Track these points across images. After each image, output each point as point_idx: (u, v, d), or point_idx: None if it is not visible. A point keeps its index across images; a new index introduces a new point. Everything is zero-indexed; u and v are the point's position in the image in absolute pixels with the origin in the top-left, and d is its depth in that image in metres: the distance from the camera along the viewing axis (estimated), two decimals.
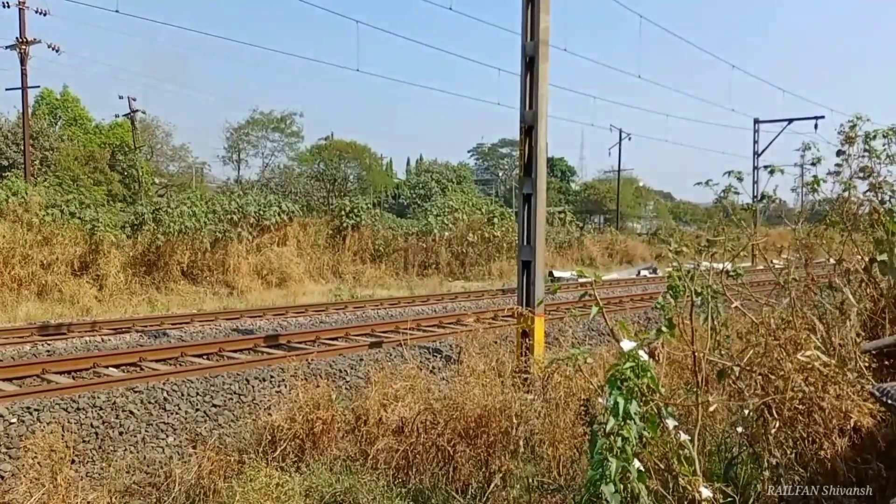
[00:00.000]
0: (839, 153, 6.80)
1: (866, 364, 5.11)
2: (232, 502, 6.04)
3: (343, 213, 34.16)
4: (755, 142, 39.75)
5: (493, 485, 6.00)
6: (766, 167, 5.87)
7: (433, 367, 11.72)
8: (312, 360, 11.66)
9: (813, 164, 6.53)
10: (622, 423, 3.87)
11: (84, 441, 8.75)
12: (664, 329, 4.62)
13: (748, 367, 5.05)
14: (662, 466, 4.45)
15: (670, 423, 4.34)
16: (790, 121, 37.30)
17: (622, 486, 3.92)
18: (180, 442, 9.09)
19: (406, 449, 6.63)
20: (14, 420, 8.70)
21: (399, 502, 6.08)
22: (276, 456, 6.89)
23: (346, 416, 7.48)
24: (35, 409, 8.94)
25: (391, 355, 12.15)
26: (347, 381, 11.15)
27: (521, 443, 6.44)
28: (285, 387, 9.65)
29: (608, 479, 3.85)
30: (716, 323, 4.97)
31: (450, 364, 8.36)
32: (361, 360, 11.98)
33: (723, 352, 5.14)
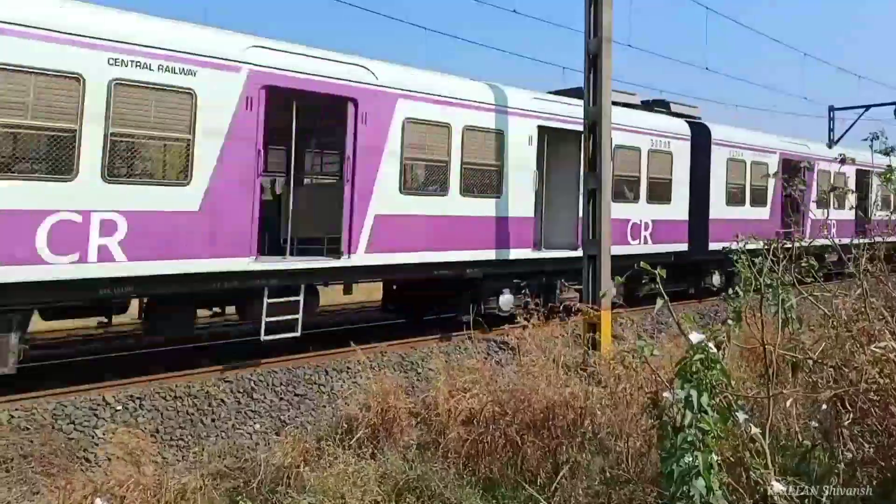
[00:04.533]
0: None
1: None
2: (312, 487, 6.02)
3: None
4: (830, 130, 38.00)
5: (560, 476, 5.80)
6: (840, 156, 5.49)
7: (500, 360, 11.55)
8: (385, 351, 11.62)
9: (886, 154, 6.08)
10: (699, 416, 3.61)
11: (181, 427, 8.92)
12: (732, 321, 4.35)
13: (820, 360, 4.72)
14: (733, 460, 4.18)
15: (741, 416, 4.06)
16: (867, 107, 35.41)
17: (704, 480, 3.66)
18: (266, 429, 9.18)
19: (475, 439, 6.49)
20: (119, 407, 8.93)
21: (469, 490, 5.93)
22: (353, 443, 6.85)
23: (417, 407, 7.39)
24: (137, 397, 9.14)
25: (460, 348, 12.03)
26: (419, 373, 11.08)
27: (588, 435, 6.21)
28: (361, 377, 9.64)
29: (697, 475, 3.56)
30: (787, 315, 4.65)
31: (517, 356, 8.18)
32: (431, 351, 11.90)
33: (794, 344, 4.81)
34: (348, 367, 10.77)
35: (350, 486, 5.87)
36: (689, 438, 3.57)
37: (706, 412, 3.63)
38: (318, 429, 7.71)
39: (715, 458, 3.62)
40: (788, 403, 4.65)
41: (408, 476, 6.16)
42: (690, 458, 3.55)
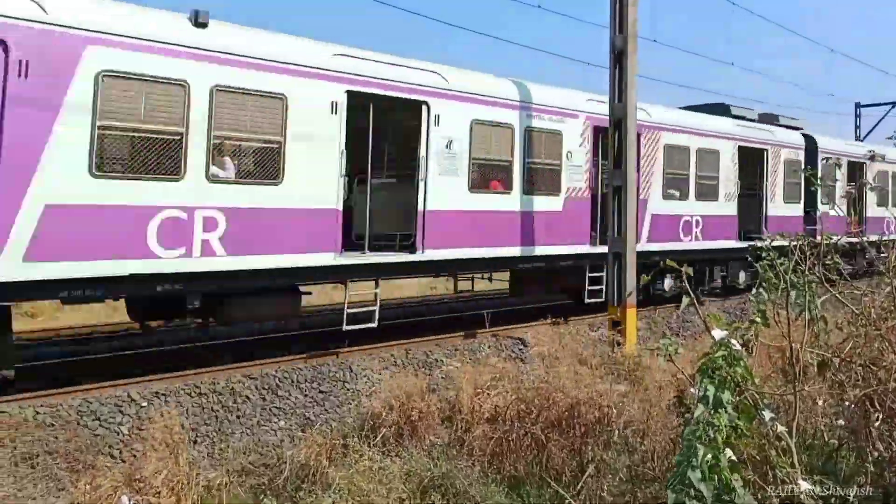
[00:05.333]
0: None
1: None
2: (337, 484, 6.10)
3: None
4: (857, 127, 37.49)
5: (586, 474, 5.83)
6: (869, 153, 5.45)
7: (524, 357, 11.58)
8: (410, 349, 11.71)
9: None
10: (712, 412, 3.63)
11: (206, 423, 9.04)
12: (757, 319, 4.35)
13: (848, 359, 4.71)
14: (759, 458, 4.18)
15: (766, 414, 4.07)
16: (894, 104, 34.92)
17: (714, 477, 3.68)
18: (290, 426, 9.30)
19: (500, 437, 6.54)
20: (145, 403, 9.06)
21: (494, 488, 5.98)
22: (377, 440, 6.93)
23: (441, 404, 7.45)
24: (162, 394, 9.29)
25: (484, 345, 12.07)
26: (442, 370, 11.15)
27: (614, 433, 6.24)
28: (386, 375, 9.73)
29: (695, 466, 3.61)
30: (813, 314, 4.64)
31: (541, 355, 8.22)
32: (456, 349, 11.95)
33: (821, 343, 4.80)
34: (373, 365, 10.87)
35: (375, 484, 5.94)
36: (698, 433, 3.59)
37: (724, 408, 3.64)
38: (342, 426, 7.80)
39: (729, 454, 3.63)
40: (816, 402, 4.64)
41: (433, 474, 6.22)
42: (693, 451, 3.57)
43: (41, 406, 8.41)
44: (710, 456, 3.60)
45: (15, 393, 8.73)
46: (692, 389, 4.15)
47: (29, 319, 15.43)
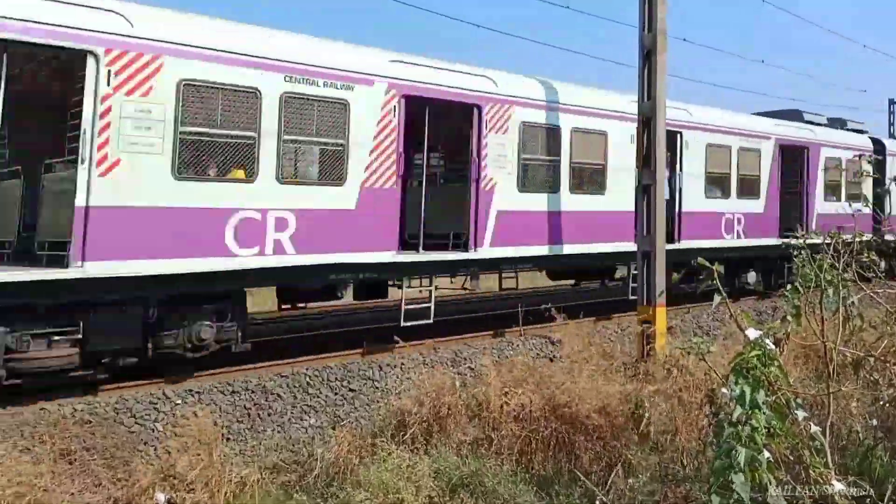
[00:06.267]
0: None
1: None
2: (367, 481, 6.15)
3: None
4: (891, 124, 36.85)
5: (615, 473, 5.82)
6: None
7: (553, 356, 11.55)
8: (438, 348, 11.75)
9: None
10: (749, 412, 3.61)
11: (238, 421, 9.16)
12: (791, 318, 4.31)
13: (882, 358, 4.65)
14: (792, 458, 4.15)
15: (800, 413, 4.03)
16: None
17: (751, 477, 3.66)
18: (321, 423, 9.39)
19: (528, 435, 6.55)
20: (179, 401, 9.21)
21: (523, 487, 5.99)
22: (406, 438, 6.97)
23: (469, 403, 7.47)
24: (196, 392, 9.43)
25: (513, 344, 12.07)
26: (472, 369, 11.17)
27: (642, 433, 6.21)
28: (414, 373, 9.77)
29: (737, 469, 3.59)
30: (848, 313, 4.59)
31: (570, 354, 8.21)
32: (484, 348, 11.97)
33: (856, 342, 4.75)
34: (402, 363, 10.93)
35: (405, 482, 5.98)
36: (738, 434, 3.58)
37: (760, 409, 3.62)
38: (372, 424, 7.85)
39: (766, 455, 3.61)
40: (850, 401, 4.59)
41: (462, 472, 6.25)
42: (734, 454, 3.55)
43: (79, 403, 8.59)
44: (749, 457, 3.58)
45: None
46: (724, 389, 4.13)
47: None
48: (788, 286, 4.55)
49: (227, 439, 8.74)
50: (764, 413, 3.69)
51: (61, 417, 8.17)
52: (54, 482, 6.58)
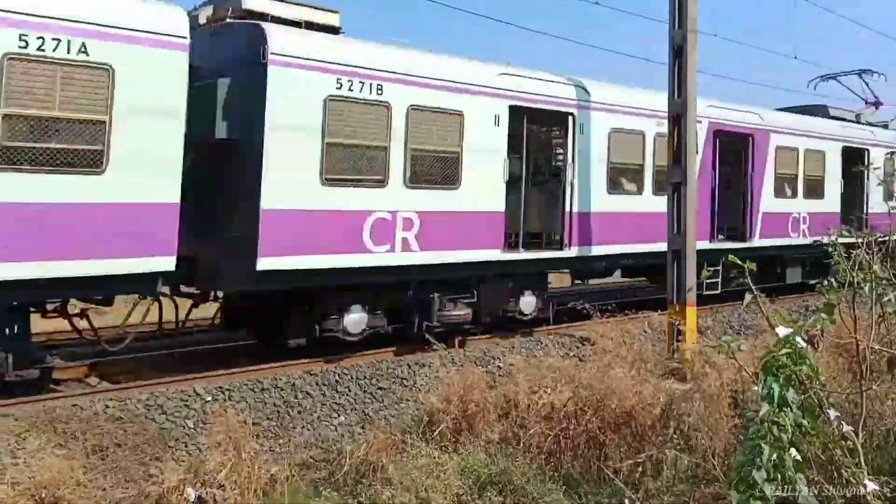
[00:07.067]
0: None
1: None
2: (396, 479, 6.18)
3: None
4: None
5: (644, 473, 5.78)
6: None
7: (582, 356, 11.50)
8: (467, 347, 11.76)
9: None
10: (776, 410, 3.57)
11: (268, 418, 9.24)
12: (823, 316, 4.24)
13: None
14: (824, 458, 4.09)
15: (832, 413, 3.97)
16: None
17: (778, 476, 3.61)
18: (350, 421, 9.44)
19: (557, 434, 6.53)
20: (209, 398, 9.31)
21: (552, 486, 5.97)
22: (435, 436, 6.98)
23: (498, 401, 7.47)
24: (226, 389, 9.53)
25: (542, 343, 12.03)
26: (501, 368, 11.16)
27: (672, 433, 6.16)
28: (443, 371, 9.79)
29: (759, 466, 3.55)
30: (885, 309, 4.50)
31: (599, 353, 8.17)
32: (513, 347, 11.95)
33: (890, 340, 4.66)
34: (430, 362, 10.95)
35: (433, 480, 5.99)
36: (762, 432, 3.53)
37: (789, 407, 3.57)
38: (401, 422, 7.88)
39: (794, 453, 3.56)
40: (885, 401, 4.51)
41: (490, 470, 6.24)
42: (758, 451, 3.51)
43: (111, 400, 8.71)
44: (774, 455, 3.54)
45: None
46: (754, 387, 4.09)
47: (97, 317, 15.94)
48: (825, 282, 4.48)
49: (257, 436, 8.83)
50: (792, 411, 3.64)
51: (93, 414, 8.30)
52: (87, 477, 6.69)
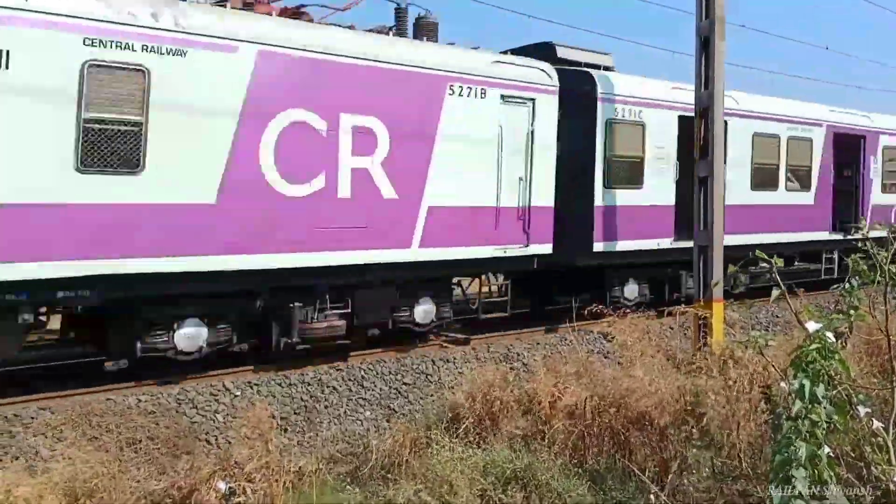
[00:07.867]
0: None
1: None
2: (421, 473, 6.21)
3: None
4: None
5: (671, 470, 5.74)
6: None
7: (606, 352, 11.45)
8: (491, 344, 11.78)
9: None
10: (809, 406, 3.52)
11: (295, 413, 9.34)
12: (853, 312, 4.18)
13: None
14: (854, 455, 4.04)
15: (862, 409, 3.92)
16: None
17: (811, 472, 3.57)
18: (375, 416, 9.50)
19: (581, 430, 6.51)
20: (238, 393, 9.43)
21: (576, 482, 5.96)
22: (459, 432, 7.00)
23: (521, 397, 7.46)
24: (255, 384, 9.64)
25: (565, 339, 12.00)
26: (525, 364, 11.16)
27: (698, 430, 6.11)
28: (467, 368, 9.82)
29: (798, 464, 3.50)
30: None
31: (623, 348, 8.11)
32: (537, 343, 11.93)
33: None
34: (454, 358, 10.99)
35: (457, 475, 6.01)
36: (797, 429, 3.49)
37: (819, 403, 3.53)
38: (426, 417, 7.92)
39: (826, 450, 3.52)
40: None
41: (514, 466, 6.25)
42: (794, 449, 3.47)
43: (143, 395, 8.88)
44: (809, 452, 3.50)
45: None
46: (782, 384, 4.04)
47: None
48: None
49: (285, 430, 8.93)
50: (825, 408, 3.60)
51: (126, 408, 8.45)
52: (120, 469, 6.81)
